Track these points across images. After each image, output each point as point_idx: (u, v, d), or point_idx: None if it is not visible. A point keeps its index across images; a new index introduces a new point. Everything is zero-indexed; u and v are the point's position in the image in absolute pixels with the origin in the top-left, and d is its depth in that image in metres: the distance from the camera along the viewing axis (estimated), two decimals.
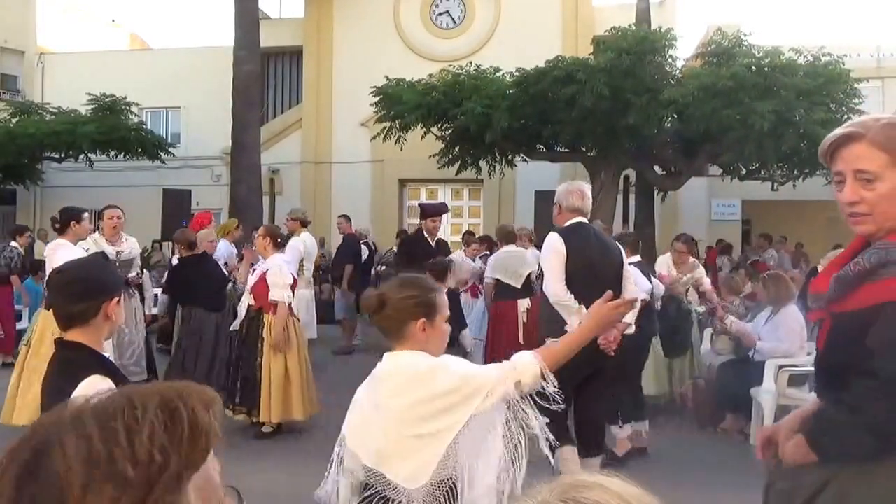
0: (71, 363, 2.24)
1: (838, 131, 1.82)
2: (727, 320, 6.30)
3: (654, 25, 13.15)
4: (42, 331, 5.41)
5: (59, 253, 5.48)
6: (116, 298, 2.33)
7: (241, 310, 6.16)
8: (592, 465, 4.46)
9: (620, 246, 4.84)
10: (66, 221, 5.72)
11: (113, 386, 2.17)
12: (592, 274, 4.30)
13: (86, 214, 6.02)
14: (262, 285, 5.94)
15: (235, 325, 6.17)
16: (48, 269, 5.63)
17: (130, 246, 6.68)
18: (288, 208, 10.61)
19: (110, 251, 6.68)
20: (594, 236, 4.61)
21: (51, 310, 2.49)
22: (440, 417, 2.12)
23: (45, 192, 18.30)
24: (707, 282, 7.23)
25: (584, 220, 4.60)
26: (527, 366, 2.20)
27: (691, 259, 7.18)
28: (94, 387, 2.12)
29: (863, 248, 1.85)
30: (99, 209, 6.85)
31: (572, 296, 4.26)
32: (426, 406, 2.14)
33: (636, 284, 6.17)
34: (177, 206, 13.57)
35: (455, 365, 2.23)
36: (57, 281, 2.40)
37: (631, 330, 4.67)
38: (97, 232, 6.58)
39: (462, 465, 2.11)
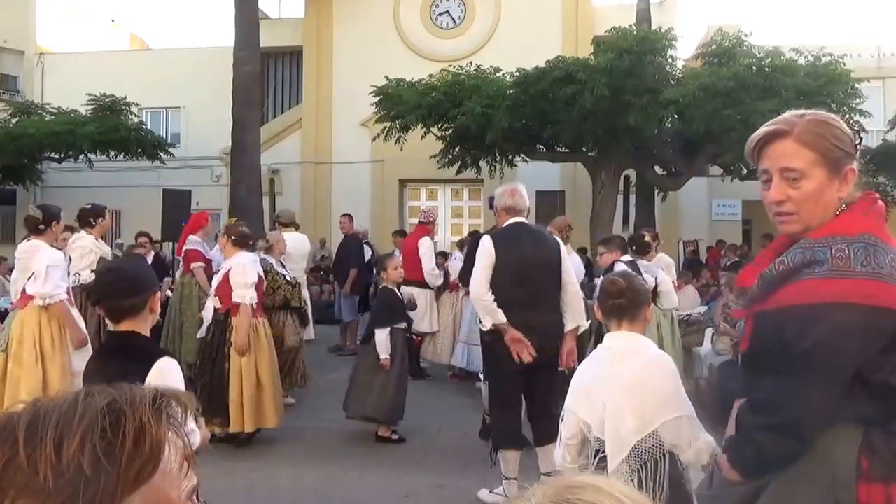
0: (138, 350, 2.50)
1: (763, 129, 1.79)
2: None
3: (654, 25, 13.15)
4: (20, 336, 5.15)
5: (37, 256, 5.22)
6: (158, 293, 2.61)
7: (207, 315, 5.89)
8: (549, 451, 4.56)
9: (560, 242, 4.87)
10: (48, 222, 5.42)
11: (178, 367, 2.47)
12: (523, 273, 4.47)
13: (105, 211, 5.94)
14: (226, 286, 5.71)
15: (202, 332, 5.89)
16: (24, 270, 5.41)
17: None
18: (286, 208, 10.58)
19: (107, 251, 6.57)
20: (528, 236, 4.65)
21: (97, 306, 2.74)
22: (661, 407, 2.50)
23: (45, 192, 18.28)
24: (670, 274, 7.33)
25: (520, 219, 4.68)
26: (700, 451, 2.51)
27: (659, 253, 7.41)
28: (168, 367, 2.45)
29: (788, 245, 1.82)
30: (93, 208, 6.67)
31: (492, 296, 4.44)
32: (661, 396, 2.52)
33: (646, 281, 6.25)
34: (177, 207, 13.50)
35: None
36: (109, 279, 2.66)
37: (584, 327, 4.82)
38: (84, 230, 6.39)
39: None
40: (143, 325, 2.56)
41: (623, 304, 2.69)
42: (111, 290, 2.57)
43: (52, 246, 5.46)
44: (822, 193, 1.72)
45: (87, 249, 6.22)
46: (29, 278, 5.26)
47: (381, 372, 5.81)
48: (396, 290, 6.15)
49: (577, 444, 2.64)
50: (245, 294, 5.60)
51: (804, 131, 1.73)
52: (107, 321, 2.69)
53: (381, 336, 5.82)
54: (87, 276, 6.13)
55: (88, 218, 6.39)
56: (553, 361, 4.67)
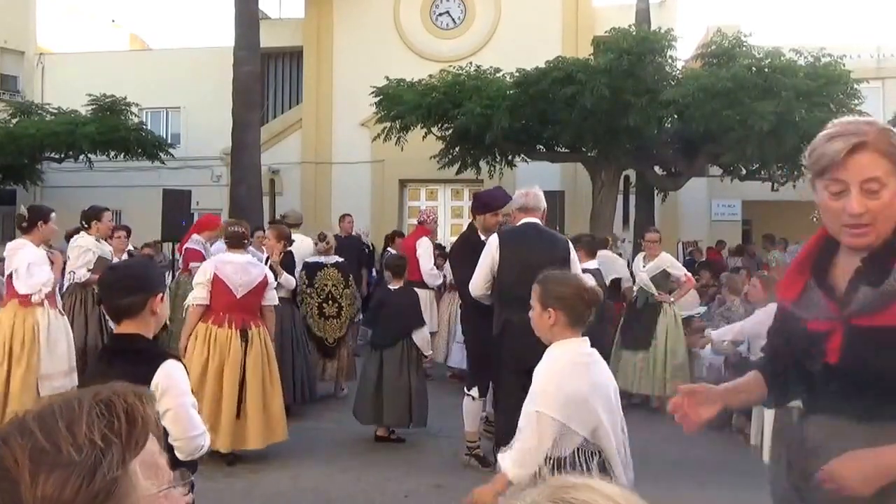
0: (142, 352, 2.51)
1: (841, 138, 1.72)
2: (706, 338, 6.45)
3: (654, 26, 13.15)
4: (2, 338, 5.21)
5: (20, 254, 5.28)
6: (161, 294, 2.56)
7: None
8: None
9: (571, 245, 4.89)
10: (33, 221, 5.43)
11: (183, 369, 2.50)
12: (528, 272, 4.47)
13: (53, 215, 5.63)
14: None
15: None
16: (6, 269, 5.47)
17: (109, 248, 6.65)
18: (288, 208, 10.56)
19: (107, 252, 6.54)
20: (536, 235, 4.70)
21: (100, 304, 2.86)
22: None
23: (45, 192, 18.29)
24: (677, 270, 7.30)
25: (532, 219, 4.73)
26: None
27: (661, 251, 7.41)
28: (174, 369, 2.45)
29: (820, 249, 1.81)
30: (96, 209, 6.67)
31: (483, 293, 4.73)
32: None
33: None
34: (177, 207, 13.52)
35: None
36: (108, 277, 2.69)
37: None
38: (83, 233, 6.40)
39: None
40: (144, 327, 2.53)
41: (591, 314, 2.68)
42: (110, 289, 2.59)
43: (39, 245, 5.48)
44: (893, 204, 1.70)
45: (84, 248, 6.23)
46: (9, 276, 5.33)
47: (415, 376, 5.87)
48: None
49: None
50: (192, 296, 5.39)
51: (878, 140, 1.70)
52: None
53: (426, 334, 5.95)
54: (83, 275, 6.15)
55: (82, 220, 6.47)
56: None
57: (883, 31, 39.63)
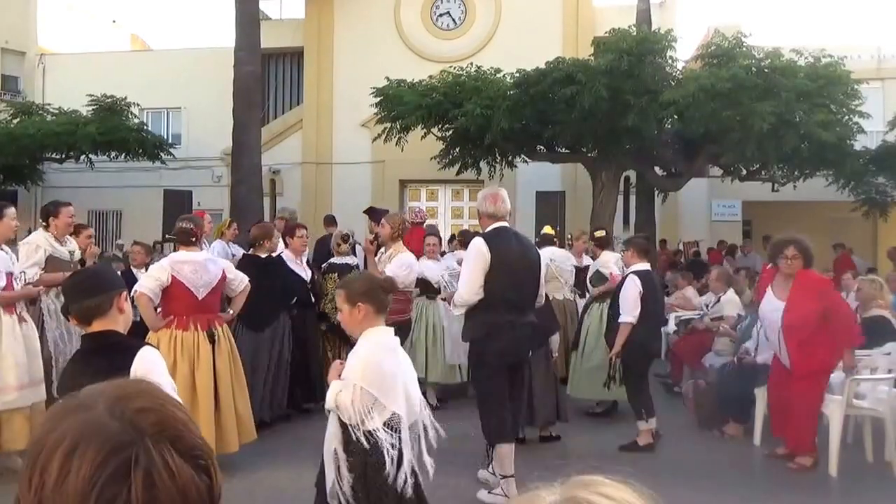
0: (117, 345, 2.56)
1: None
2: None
3: (654, 26, 13.17)
4: None
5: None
6: (124, 293, 2.61)
7: None
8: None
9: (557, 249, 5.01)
10: (45, 218, 5.32)
11: (160, 356, 2.56)
12: (514, 275, 4.58)
13: (63, 209, 5.39)
14: None
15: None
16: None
17: (75, 246, 6.09)
18: (289, 209, 10.55)
19: (63, 251, 5.91)
20: (514, 240, 4.74)
21: (68, 318, 2.74)
22: None
23: (46, 192, 18.29)
24: (605, 269, 7.23)
25: (503, 223, 4.74)
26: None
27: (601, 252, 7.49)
28: (150, 356, 2.51)
29: None
30: (100, 209, 6.50)
31: (477, 300, 4.57)
32: None
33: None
34: (177, 207, 13.53)
35: None
36: (71, 282, 2.73)
37: None
38: (42, 230, 5.84)
39: None
40: (114, 325, 2.57)
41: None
42: (75, 292, 2.62)
43: (57, 239, 5.38)
44: None
45: (34, 246, 5.61)
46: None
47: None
48: None
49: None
50: (142, 282, 5.03)
51: None
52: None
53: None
54: (34, 274, 5.54)
55: (41, 216, 5.98)
56: (529, 359, 4.89)
57: (883, 32, 39.60)
